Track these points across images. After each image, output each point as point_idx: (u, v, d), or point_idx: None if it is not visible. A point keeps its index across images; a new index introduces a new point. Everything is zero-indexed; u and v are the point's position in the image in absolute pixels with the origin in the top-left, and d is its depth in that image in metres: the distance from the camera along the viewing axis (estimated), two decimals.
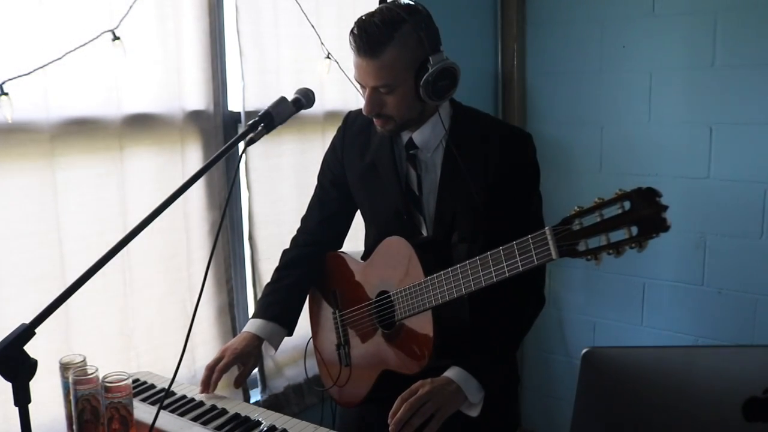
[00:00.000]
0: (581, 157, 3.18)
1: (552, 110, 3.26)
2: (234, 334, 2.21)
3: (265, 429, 1.47)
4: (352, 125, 1.75)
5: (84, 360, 1.44)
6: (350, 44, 1.50)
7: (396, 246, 1.58)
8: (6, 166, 1.63)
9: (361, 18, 1.50)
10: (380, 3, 1.54)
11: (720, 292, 2.89)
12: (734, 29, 2.72)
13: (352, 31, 1.49)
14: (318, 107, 2.25)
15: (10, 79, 1.58)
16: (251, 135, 1.43)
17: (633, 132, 3.02)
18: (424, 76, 1.47)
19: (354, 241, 1.93)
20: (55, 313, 1.10)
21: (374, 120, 1.57)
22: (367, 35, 1.46)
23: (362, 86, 1.54)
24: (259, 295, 2.25)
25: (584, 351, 1.31)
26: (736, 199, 2.80)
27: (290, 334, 1.77)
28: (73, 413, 1.37)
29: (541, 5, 3.21)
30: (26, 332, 1.03)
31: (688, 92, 2.86)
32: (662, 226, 1.13)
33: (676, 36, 2.86)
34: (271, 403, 2.28)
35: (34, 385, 1.04)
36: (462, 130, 1.59)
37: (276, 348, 1.76)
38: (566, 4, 3.13)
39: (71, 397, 1.37)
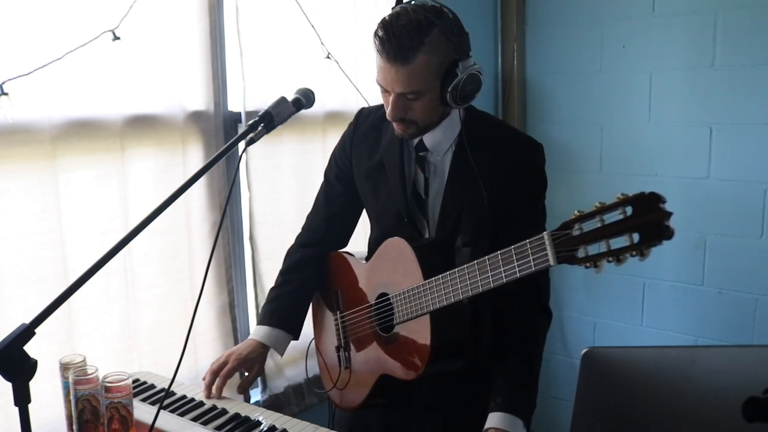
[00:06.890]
0: (581, 157, 3.18)
1: (552, 110, 3.26)
2: (235, 335, 2.22)
3: (265, 429, 1.47)
4: (364, 122, 1.71)
5: (84, 360, 1.44)
6: (375, 46, 1.43)
7: (396, 247, 1.55)
8: (8, 167, 1.63)
9: (385, 20, 1.43)
10: (397, 2, 1.49)
11: (720, 292, 2.89)
12: (734, 29, 2.72)
13: (376, 34, 1.42)
14: (318, 107, 2.26)
15: (10, 79, 1.59)
16: (251, 135, 1.42)
17: (633, 132, 3.02)
18: (453, 82, 1.43)
19: (359, 241, 1.91)
20: (57, 314, 1.10)
21: (395, 124, 1.53)
22: (397, 40, 1.39)
23: (384, 90, 1.49)
24: (259, 296, 2.26)
25: (584, 351, 1.30)
26: (736, 199, 2.80)
27: (296, 338, 1.75)
28: (73, 413, 1.37)
29: (541, 5, 3.21)
30: (26, 332, 1.03)
31: (688, 92, 2.86)
32: (665, 234, 1.06)
33: (676, 36, 2.86)
34: (272, 403, 2.28)
35: (35, 385, 1.04)
36: (474, 133, 1.55)
37: (282, 354, 1.74)
38: (566, 4, 3.13)
39: (71, 397, 1.37)
